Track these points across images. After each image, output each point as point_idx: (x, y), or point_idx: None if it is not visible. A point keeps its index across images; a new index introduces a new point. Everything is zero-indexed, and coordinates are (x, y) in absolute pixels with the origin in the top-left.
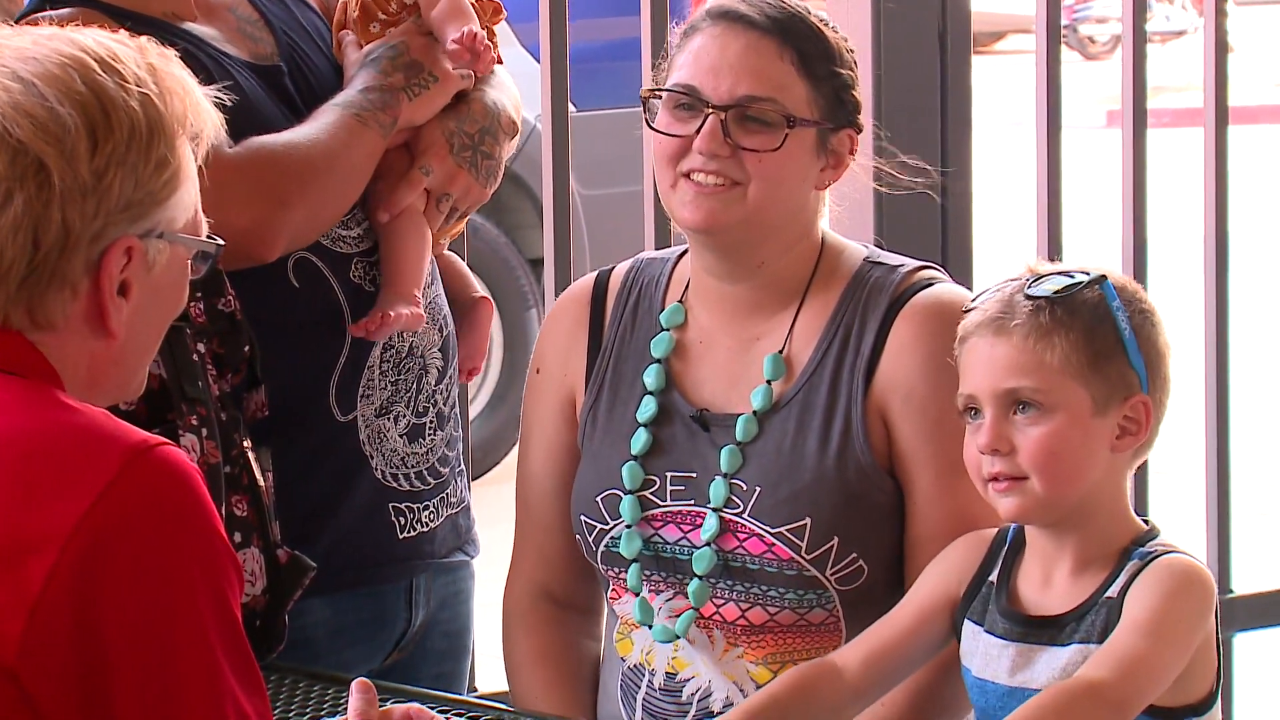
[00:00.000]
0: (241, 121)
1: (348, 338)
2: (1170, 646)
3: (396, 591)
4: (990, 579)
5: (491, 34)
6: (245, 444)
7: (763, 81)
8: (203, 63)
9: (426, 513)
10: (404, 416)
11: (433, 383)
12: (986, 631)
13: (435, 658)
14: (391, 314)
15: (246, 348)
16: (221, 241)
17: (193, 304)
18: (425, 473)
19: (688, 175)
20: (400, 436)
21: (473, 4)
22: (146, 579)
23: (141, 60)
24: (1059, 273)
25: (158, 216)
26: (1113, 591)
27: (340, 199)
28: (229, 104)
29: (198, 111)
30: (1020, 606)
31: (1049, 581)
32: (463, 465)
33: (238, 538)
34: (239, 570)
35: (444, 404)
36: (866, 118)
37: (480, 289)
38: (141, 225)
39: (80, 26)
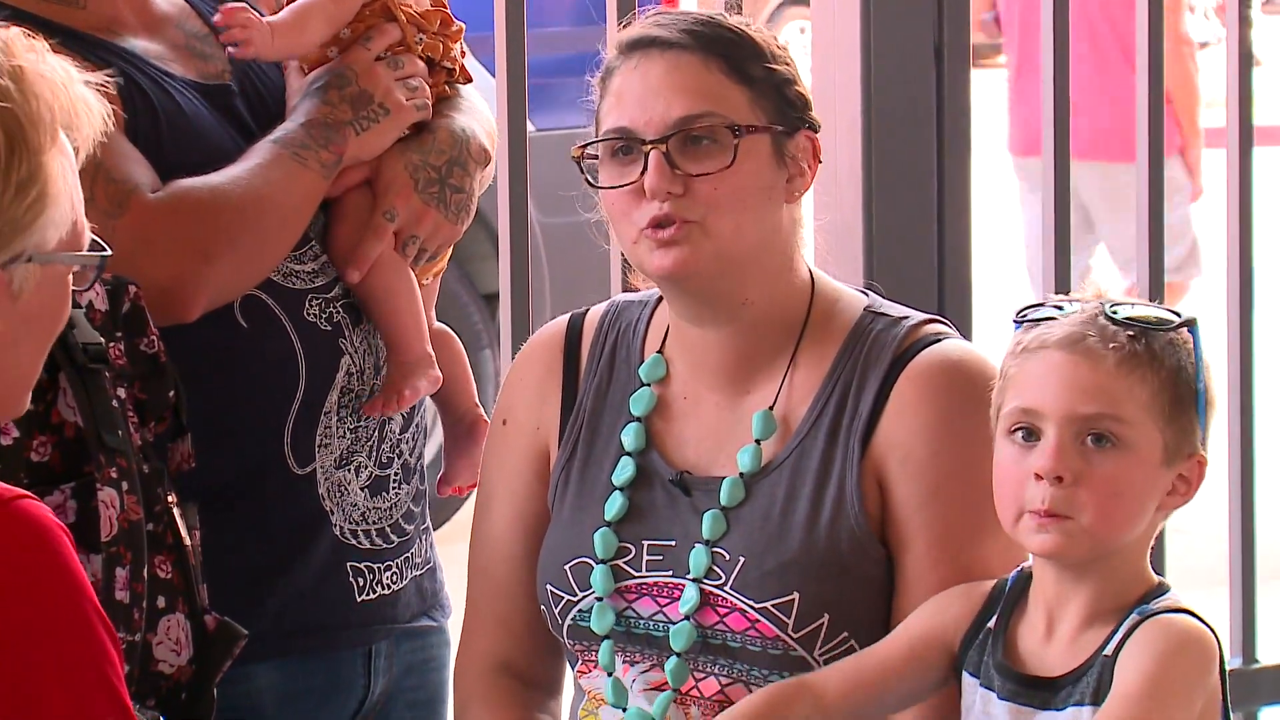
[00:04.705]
0: (186, 146)
1: (302, 381)
2: (1167, 709)
3: (354, 658)
4: (989, 625)
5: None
6: (170, 499)
7: (695, 98)
8: (140, 84)
9: (388, 574)
10: (366, 468)
11: (397, 431)
12: (983, 685)
13: None
14: (408, 392)
15: (171, 393)
16: (109, 251)
17: (112, 345)
18: (388, 530)
19: (648, 227)
20: (362, 490)
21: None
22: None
23: (5, 64)
24: (1132, 303)
25: (23, 243)
26: (1109, 649)
27: (272, 249)
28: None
29: (75, 108)
30: (1017, 663)
31: (1051, 635)
32: (428, 523)
33: (161, 602)
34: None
35: (410, 455)
36: (855, 137)
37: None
38: (2, 255)
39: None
